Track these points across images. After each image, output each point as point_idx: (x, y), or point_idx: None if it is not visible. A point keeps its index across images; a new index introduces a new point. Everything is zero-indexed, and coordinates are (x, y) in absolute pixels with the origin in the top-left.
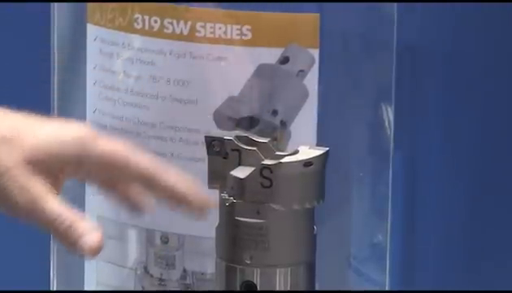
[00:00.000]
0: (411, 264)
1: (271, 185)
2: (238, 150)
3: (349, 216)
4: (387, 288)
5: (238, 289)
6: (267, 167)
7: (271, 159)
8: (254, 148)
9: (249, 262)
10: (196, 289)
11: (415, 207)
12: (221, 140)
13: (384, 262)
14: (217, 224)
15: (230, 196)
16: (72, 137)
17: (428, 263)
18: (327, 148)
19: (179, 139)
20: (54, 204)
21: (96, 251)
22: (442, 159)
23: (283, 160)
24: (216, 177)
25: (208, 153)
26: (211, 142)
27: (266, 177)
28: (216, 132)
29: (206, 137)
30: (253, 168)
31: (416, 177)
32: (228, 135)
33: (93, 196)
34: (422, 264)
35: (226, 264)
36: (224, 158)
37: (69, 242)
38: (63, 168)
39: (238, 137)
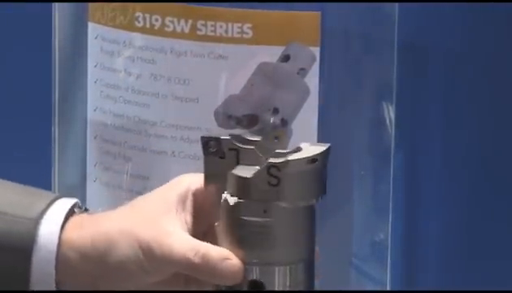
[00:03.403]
0: (412, 263)
1: (278, 184)
2: (236, 149)
3: (350, 214)
4: (388, 286)
5: (245, 288)
6: (275, 165)
7: (275, 157)
8: (253, 147)
9: (255, 261)
10: None
11: (416, 206)
12: (218, 140)
13: (385, 260)
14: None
15: (233, 196)
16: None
17: (429, 261)
18: (329, 144)
19: (180, 137)
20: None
21: (236, 276)
22: (443, 157)
23: (289, 158)
24: (213, 178)
25: (204, 154)
26: (207, 142)
27: (273, 175)
28: (213, 131)
29: (202, 137)
30: (256, 167)
31: (417, 175)
32: (224, 135)
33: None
34: (423, 262)
35: None
36: (221, 158)
37: (205, 272)
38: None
39: (234, 137)
